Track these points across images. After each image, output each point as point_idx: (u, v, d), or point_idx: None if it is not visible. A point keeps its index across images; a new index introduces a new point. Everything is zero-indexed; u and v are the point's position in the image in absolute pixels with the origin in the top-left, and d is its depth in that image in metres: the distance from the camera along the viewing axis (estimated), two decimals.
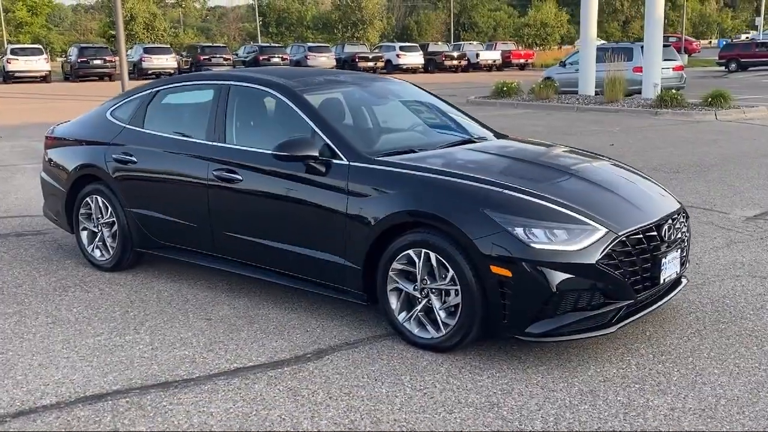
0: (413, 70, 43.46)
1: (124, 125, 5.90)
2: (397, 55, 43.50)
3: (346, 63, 42.58)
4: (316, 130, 4.84)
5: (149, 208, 5.65)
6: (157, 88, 5.88)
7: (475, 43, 53.96)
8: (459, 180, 4.33)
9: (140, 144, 5.70)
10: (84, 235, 6.17)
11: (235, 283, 5.69)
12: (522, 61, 47.72)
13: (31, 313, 5.13)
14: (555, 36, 67.67)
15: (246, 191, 5.03)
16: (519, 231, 4.00)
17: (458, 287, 4.13)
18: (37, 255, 6.60)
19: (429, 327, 4.33)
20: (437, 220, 4.18)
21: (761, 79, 33.90)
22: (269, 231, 4.99)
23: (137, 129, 5.81)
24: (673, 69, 23.56)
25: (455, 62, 44.70)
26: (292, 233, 4.86)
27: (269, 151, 4.89)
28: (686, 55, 47.44)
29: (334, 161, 4.68)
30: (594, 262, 3.97)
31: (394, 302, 4.46)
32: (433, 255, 4.21)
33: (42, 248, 6.82)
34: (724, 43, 61.56)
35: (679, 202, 4.81)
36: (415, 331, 4.38)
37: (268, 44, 43.96)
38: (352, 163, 4.62)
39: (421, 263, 4.27)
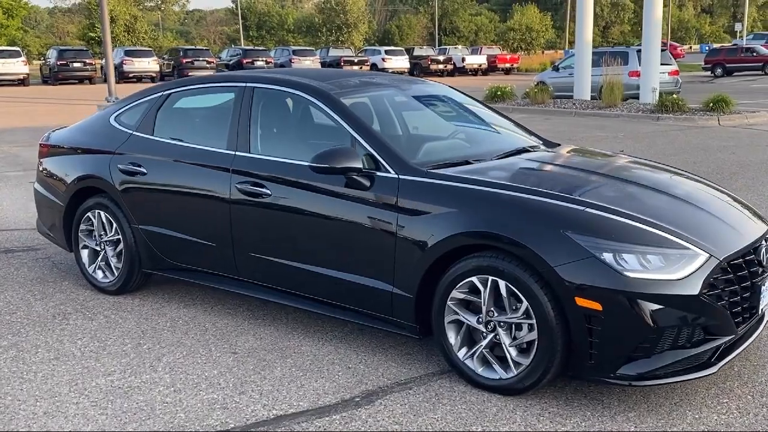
0: (399, 74, 42.85)
1: (130, 132, 5.29)
2: (383, 59, 42.96)
3: (331, 67, 41.94)
4: (358, 138, 4.27)
5: (161, 225, 5.05)
6: (169, 91, 5.27)
7: (460, 47, 53.60)
8: (533, 196, 3.77)
9: (150, 153, 5.09)
10: (84, 253, 5.55)
11: (257, 309, 5.10)
12: (507, 65, 47.35)
13: (30, 347, 4.51)
14: (540, 40, 67.45)
15: (275, 207, 4.45)
16: (608, 257, 3.45)
17: (534, 321, 3.58)
18: (30, 275, 5.96)
19: (496, 366, 3.77)
20: (509, 243, 3.62)
21: (749, 84, 33.75)
22: (302, 252, 4.40)
23: (146, 136, 5.20)
24: (669, 74, 23.18)
25: (441, 66, 44.22)
26: (329, 255, 4.29)
27: (304, 163, 4.32)
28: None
29: (380, 174, 4.12)
30: (697, 293, 3.42)
31: (452, 336, 3.89)
32: (502, 283, 3.65)
33: (35, 267, 6.18)
34: (707, 48, 61.71)
35: (764, 221, 4.28)
36: (479, 370, 3.82)
37: (252, 47, 43.29)
38: (402, 177, 4.05)
39: (487, 292, 3.71)
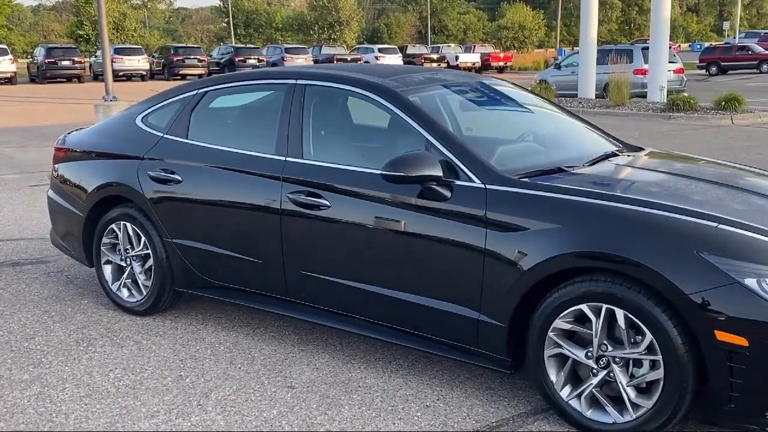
0: None
1: (160, 135, 4.73)
2: (376, 57, 42.42)
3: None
4: (434, 142, 3.74)
5: (198, 239, 4.50)
6: (204, 89, 4.71)
7: (453, 45, 53.13)
8: (654, 210, 3.25)
9: (185, 159, 4.54)
10: (107, 270, 4.99)
11: (304, 333, 4.56)
12: (501, 63, 46.88)
13: (56, 381, 3.95)
14: (532, 39, 67.05)
15: (335, 220, 3.91)
16: (752, 282, 2.94)
17: (659, 357, 3.06)
18: (44, 292, 5.39)
19: (609, 408, 3.25)
20: (629, 265, 3.10)
21: (745, 83, 33.42)
22: (366, 272, 3.87)
23: (179, 140, 4.64)
24: (674, 72, 22.77)
25: (434, 65, 43.72)
26: (400, 276, 3.76)
27: (371, 170, 3.79)
28: None
29: (461, 183, 3.59)
30: None
31: (553, 372, 3.37)
32: (620, 313, 3.13)
33: (48, 283, 5.61)
34: (698, 46, 61.57)
35: None
36: (587, 412, 3.30)
37: (244, 45, 42.57)
38: (489, 186, 3.52)
39: (600, 323, 3.19)
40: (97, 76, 38.15)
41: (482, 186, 3.54)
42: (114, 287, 4.96)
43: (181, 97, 4.77)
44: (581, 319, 3.28)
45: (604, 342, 3.22)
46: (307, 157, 4.12)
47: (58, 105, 24.04)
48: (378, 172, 3.74)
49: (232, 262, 4.40)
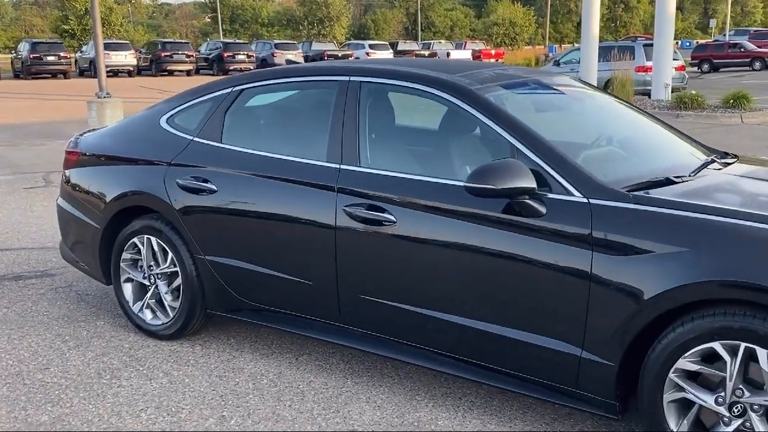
0: None
1: (190, 138, 4.20)
2: (367, 53, 41.85)
3: (314, 61, 40.71)
4: (522, 149, 3.24)
5: (235, 257, 3.98)
6: (240, 87, 4.18)
7: (443, 41, 52.67)
8: None
9: (219, 165, 4.01)
10: (128, 288, 4.45)
11: (354, 361, 4.06)
12: (492, 60, 46.44)
13: (80, 423, 3.43)
14: (524, 35, 66.69)
15: (403, 238, 3.39)
16: None
17: None
18: (54, 312, 4.84)
19: None
20: None
21: (739, 80, 33.14)
22: (440, 298, 3.37)
23: (212, 144, 4.11)
24: (676, 69, 22.40)
25: None
26: (482, 303, 3.26)
27: (446, 181, 3.29)
28: None
29: (556, 196, 3.09)
30: None
31: (673, 420, 2.90)
32: (763, 353, 2.64)
33: (56, 300, 5.06)
34: (687, 44, 61.47)
35: None
36: None
37: (233, 41, 41.85)
38: (594, 201, 3.02)
39: (736, 364, 2.70)
40: (83, 72, 37.38)
41: (584, 200, 3.04)
42: (135, 308, 4.43)
43: (212, 95, 4.24)
44: (711, 358, 2.79)
45: (740, 386, 2.73)
46: (364, 165, 3.61)
47: (45, 102, 23.35)
48: (454, 182, 3.25)
49: (275, 282, 3.88)
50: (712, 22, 76.67)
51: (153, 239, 4.26)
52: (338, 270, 3.63)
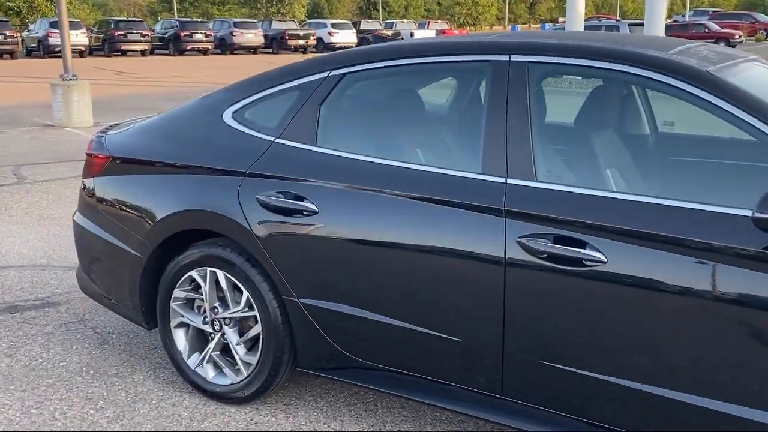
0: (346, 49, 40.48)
1: (270, 139, 3.13)
2: (329, 33, 40.44)
3: (275, 40, 39.31)
4: None
5: (344, 300, 2.95)
6: (340, 70, 3.12)
7: (406, 21, 51.50)
8: None
9: (319, 176, 2.97)
10: (181, 336, 3.39)
11: None
12: None
13: None
14: (486, 15, 65.78)
15: (620, 285, 2.41)
16: None
17: None
18: (72, 361, 3.77)
19: None
20: None
21: None
22: (679, 372, 2.39)
23: (304, 147, 3.06)
24: None
25: None
26: (748, 381, 2.28)
27: (702, 207, 2.30)
28: None
29: None
30: None
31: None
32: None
33: (71, 341, 3.98)
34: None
35: None
36: None
37: (190, 19, 40.01)
38: None
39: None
40: (31, 52, 35.41)
41: None
42: (192, 362, 3.37)
43: (299, 82, 3.17)
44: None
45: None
46: (542, 179, 2.60)
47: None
48: (714, 209, 2.26)
49: (402, 336, 2.86)
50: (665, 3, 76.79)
51: (220, 273, 3.20)
52: (506, 324, 2.63)
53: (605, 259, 2.43)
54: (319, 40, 39.87)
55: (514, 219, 2.58)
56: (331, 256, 2.93)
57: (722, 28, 41.84)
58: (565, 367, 2.57)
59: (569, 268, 2.48)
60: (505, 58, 2.77)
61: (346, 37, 40.38)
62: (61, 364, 3.74)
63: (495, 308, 2.63)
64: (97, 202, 3.61)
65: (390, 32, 42.36)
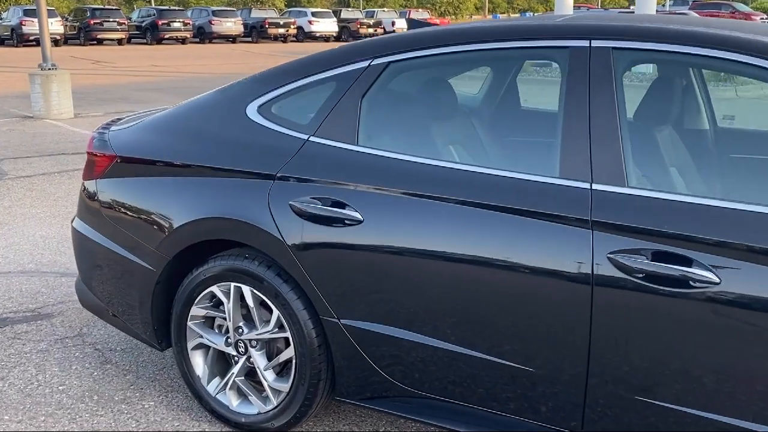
0: (326, 39, 40.05)
1: (303, 137, 2.74)
2: (309, 22, 39.86)
3: (254, 29, 38.68)
4: None
5: (394, 322, 2.59)
6: (384, 58, 2.73)
7: (387, 9, 50.99)
8: None
9: (362, 180, 2.60)
10: (199, 358, 3.01)
11: None
12: None
13: None
14: (467, 4, 65.33)
15: (735, 306, 2.05)
16: None
17: None
18: (73, 384, 3.37)
19: None
20: None
21: None
22: None
23: (343, 147, 2.68)
24: None
25: (371, 30, 41.51)
26: None
27: None
28: None
29: None
30: None
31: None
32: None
33: (70, 360, 3.59)
34: None
35: None
36: None
37: (168, 8, 39.16)
38: None
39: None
40: (4, 41, 34.57)
41: None
42: (212, 388, 2.98)
43: (336, 72, 2.78)
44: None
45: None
46: (635, 184, 2.24)
47: None
48: None
49: (462, 364, 2.50)
50: None
51: (246, 289, 2.81)
52: (592, 352, 2.26)
53: (717, 280, 2.07)
54: (300, 29, 39.32)
55: (603, 231, 2.22)
56: (379, 271, 2.55)
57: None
58: (666, 404, 2.21)
59: (673, 289, 2.12)
60: (585, 43, 2.40)
61: (327, 26, 39.91)
62: (60, 388, 3.34)
63: (579, 334, 2.27)
64: (100, 207, 3.20)
65: (372, 20, 41.77)
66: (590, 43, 2.39)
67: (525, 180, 2.37)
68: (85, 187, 3.28)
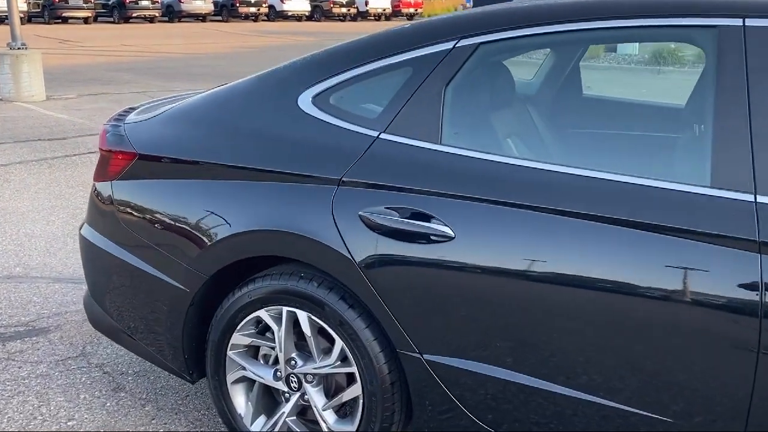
0: (298, 18, 39.29)
1: (373, 134, 2.28)
2: (282, 1, 39.08)
3: (225, 8, 37.78)
4: None
5: (494, 361, 2.13)
6: (473, 39, 2.26)
7: None
8: None
9: (450, 187, 2.14)
10: (240, 393, 2.55)
11: None
12: (412, 10, 44.41)
13: None
14: None
15: None
16: None
17: None
18: (83, 417, 2.91)
19: None
20: None
21: None
22: None
23: (424, 146, 2.21)
24: None
25: (344, 10, 40.82)
26: None
27: None
28: None
29: None
30: None
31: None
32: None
33: (75, 388, 3.11)
34: None
35: None
36: None
37: None
38: None
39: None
40: None
41: None
42: (256, 428, 2.51)
43: (412, 56, 2.31)
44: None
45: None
46: None
47: None
48: None
49: (582, 410, 2.06)
50: None
51: (301, 314, 2.34)
52: (753, 402, 1.84)
53: None
54: (271, 7, 38.54)
55: None
56: (475, 298, 2.10)
57: None
58: None
59: None
60: (738, 22, 1.96)
61: (299, 5, 39.18)
62: (69, 423, 2.86)
63: (739, 378, 1.85)
64: (116, 213, 2.71)
65: (344, 0, 41.00)
66: (744, 22, 1.95)
67: (666, 190, 1.93)
68: (97, 190, 2.79)
